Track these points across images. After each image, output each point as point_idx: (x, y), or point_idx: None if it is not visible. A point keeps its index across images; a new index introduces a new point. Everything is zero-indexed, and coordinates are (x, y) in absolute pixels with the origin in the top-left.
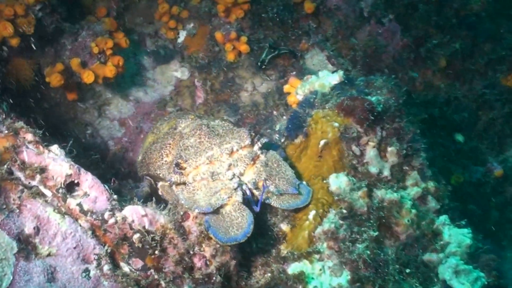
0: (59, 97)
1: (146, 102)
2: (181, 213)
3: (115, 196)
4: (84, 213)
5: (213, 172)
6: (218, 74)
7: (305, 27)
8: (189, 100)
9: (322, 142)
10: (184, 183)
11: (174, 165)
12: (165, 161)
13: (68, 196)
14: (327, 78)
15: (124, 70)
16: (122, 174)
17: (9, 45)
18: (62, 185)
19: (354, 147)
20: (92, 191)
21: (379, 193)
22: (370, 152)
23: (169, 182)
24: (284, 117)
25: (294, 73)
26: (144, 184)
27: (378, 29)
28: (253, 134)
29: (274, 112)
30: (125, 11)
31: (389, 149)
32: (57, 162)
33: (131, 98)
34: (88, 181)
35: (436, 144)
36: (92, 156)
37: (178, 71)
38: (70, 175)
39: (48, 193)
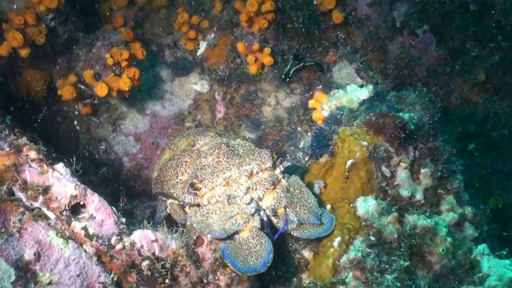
0: (72, 110)
1: (163, 116)
2: (194, 237)
3: (123, 219)
4: (90, 237)
5: (229, 195)
6: (239, 87)
7: (332, 38)
8: (208, 115)
9: (349, 163)
10: (198, 205)
11: (188, 185)
12: (180, 179)
13: (72, 218)
14: (356, 93)
15: (140, 82)
16: (136, 192)
17: (20, 55)
18: (67, 207)
19: (384, 168)
20: (99, 214)
21: (411, 218)
22: (402, 174)
23: (182, 203)
24: (309, 133)
25: (320, 86)
26: (162, 208)
27: (411, 40)
28: (275, 156)
29: (298, 128)
30: (143, 21)
31: (422, 170)
32: (62, 182)
33: (148, 112)
34: (94, 202)
35: (473, 163)
36: (105, 173)
37: (197, 84)
38: (75, 196)
39: (51, 215)
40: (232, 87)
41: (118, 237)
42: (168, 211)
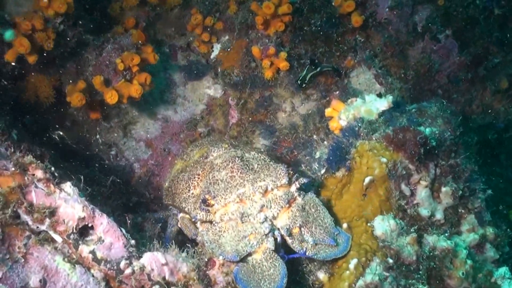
0: (82, 115)
1: (175, 121)
2: (206, 259)
3: (132, 241)
4: (98, 261)
5: (243, 212)
6: (253, 92)
7: (351, 42)
8: (222, 120)
9: (367, 179)
10: (210, 222)
11: (200, 201)
12: (192, 193)
13: (80, 242)
14: (375, 104)
15: (152, 87)
16: (147, 200)
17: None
18: (74, 230)
19: (403, 186)
20: (108, 236)
21: (430, 239)
22: (422, 193)
23: (194, 219)
24: (325, 142)
25: (337, 92)
26: (173, 222)
27: (433, 45)
28: (292, 172)
29: (314, 136)
30: (155, 21)
31: (443, 189)
32: (69, 204)
33: (159, 116)
34: (103, 225)
35: (493, 172)
36: (115, 181)
37: (211, 88)
38: (83, 218)
39: (58, 238)
40: (246, 92)
41: (127, 261)
42: (179, 225)
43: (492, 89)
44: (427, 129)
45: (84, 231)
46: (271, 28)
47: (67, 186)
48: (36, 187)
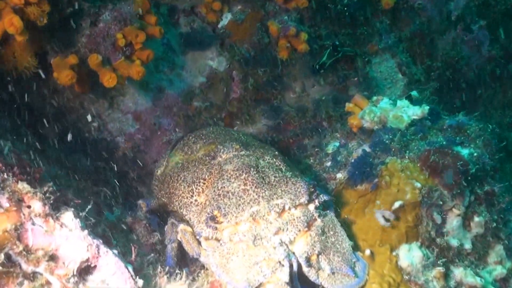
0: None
1: (169, 93)
2: None
3: (140, 282)
4: None
5: (256, 235)
6: (264, 72)
7: (377, 25)
8: (222, 95)
9: (397, 204)
10: (218, 240)
11: (208, 217)
12: (195, 200)
13: (81, 285)
14: (407, 111)
15: (151, 59)
16: (131, 180)
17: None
18: (75, 272)
19: (435, 215)
20: (113, 279)
21: (457, 272)
22: (453, 222)
23: (198, 235)
24: (337, 134)
25: (355, 79)
26: (173, 237)
27: (464, 36)
28: (312, 188)
29: (324, 124)
30: None
31: (476, 219)
32: (71, 242)
33: (152, 87)
34: (109, 265)
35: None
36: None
37: (214, 61)
38: (87, 259)
39: (55, 282)
40: (255, 70)
41: None
42: (179, 238)
43: None
44: (465, 151)
45: (86, 270)
46: (292, 2)
47: (68, 218)
48: (33, 223)
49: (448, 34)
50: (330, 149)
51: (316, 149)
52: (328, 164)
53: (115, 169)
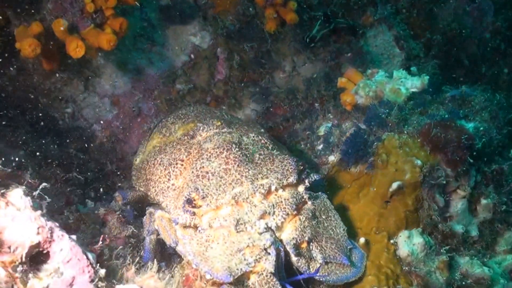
0: (32, 62)
1: (149, 74)
2: None
3: (102, 271)
4: None
5: (238, 219)
6: (250, 47)
7: None
8: (206, 76)
9: (395, 185)
10: (195, 227)
11: (184, 200)
12: (172, 184)
13: (30, 275)
14: (405, 83)
15: (126, 33)
16: (109, 172)
17: None
18: (23, 259)
19: (437, 197)
20: (69, 268)
21: (463, 263)
22: (458, 205)
23: (174, 222)
24: (330, 115)
25: (349, 54)
26: (151, 228)
27: (467, 5)
28: (302, 166)
29: (316, 105)
30: None
31: (483, 201)
32: (19, 223)
33: (130, 67)
34: (64, 251)
35: None
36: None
37: (196, 36)
38: (38, 244)
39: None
40: (240, 45)
41: None
42: (156, 227)
43: None
44: (470, 125)
45: (37, 257)
46: None
47: (16, 195)
48: None
49: (448, 3)
50: (322, 131)
51: (307, 133)
52: (320, 147)
53: (90, 160)
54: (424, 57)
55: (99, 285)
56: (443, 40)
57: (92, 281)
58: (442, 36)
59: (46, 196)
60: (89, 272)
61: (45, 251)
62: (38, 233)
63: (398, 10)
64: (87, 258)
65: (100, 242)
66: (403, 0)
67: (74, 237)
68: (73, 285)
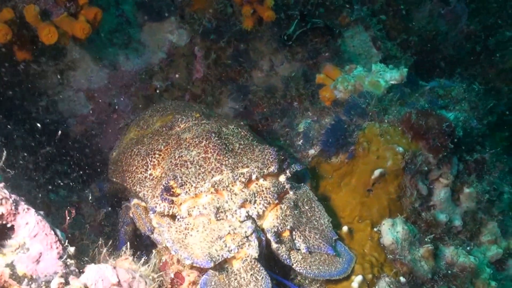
0: (4, 53)
1: (126, 70)
2: (171, 274)
3: (71, 249)
4: (18, 279)
5: (218, 207)
6: (227, 44)
7: None
8: (184, 73)
9: (377, 172)
10: (174, 216)
11: (162, 188)
12: (150, 174)
13: None
14: (384, 75)
15: (100, 24)
16: (84, 168)
17: None
18: None
19: (420, 184)
20: (35, 243)
21: (448, 252)
22: (441, 193)
23: (151, 211)
24: (309, 112)
25: (327, 54)
26: (127, 219)
27: (441, 8)
28: (283, 156)
29: (295, 104)
30: None
31: (466, 190)
32: None
33: (106, 62)
34: (29, 225)
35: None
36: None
37: (173, 34)
38: (1, 215)
39: None
40: (218, 43)
41: (62, 280)
42: (131, 215)
43: (498, 67)
44: (451, 114)
45: (0, 232)
46: None
47: None
48: None
49: (424, 6)
50: (301, 127)
51: (286, 130)
52: (300, 142)
53: (64, 153)
54: (401, 58)
55: (68, 263)
56: (420, 42)
57: (60, 257)
58: (418, 37)
59: (9, 170)
60: (57, 248)
61: (9, 225)
62: (1, 204)
63: (374, 11)
64: (55, 234)
65: (67, 220)
66: (380, 2)
67: (41, 212)
68: (40, 262)
